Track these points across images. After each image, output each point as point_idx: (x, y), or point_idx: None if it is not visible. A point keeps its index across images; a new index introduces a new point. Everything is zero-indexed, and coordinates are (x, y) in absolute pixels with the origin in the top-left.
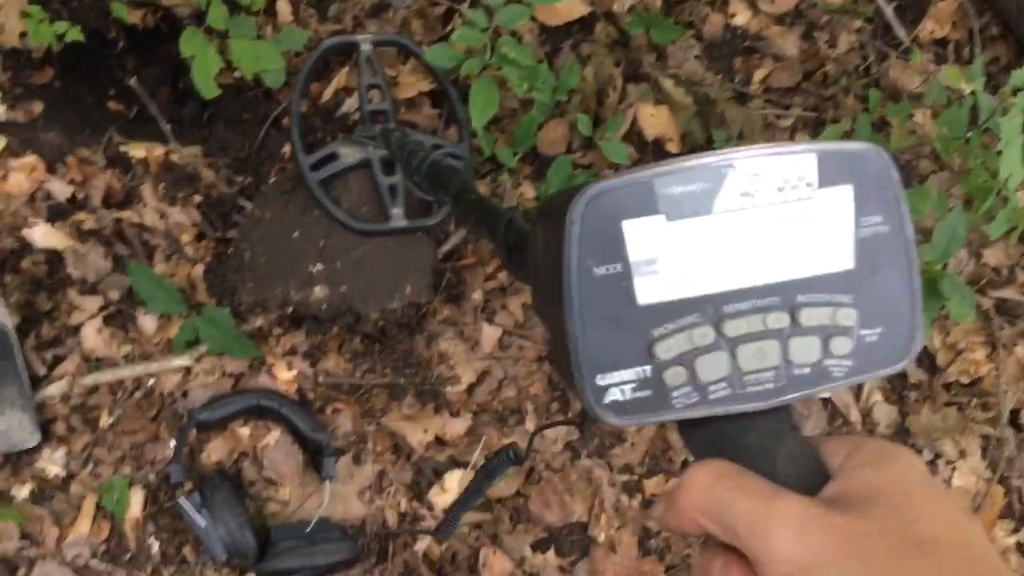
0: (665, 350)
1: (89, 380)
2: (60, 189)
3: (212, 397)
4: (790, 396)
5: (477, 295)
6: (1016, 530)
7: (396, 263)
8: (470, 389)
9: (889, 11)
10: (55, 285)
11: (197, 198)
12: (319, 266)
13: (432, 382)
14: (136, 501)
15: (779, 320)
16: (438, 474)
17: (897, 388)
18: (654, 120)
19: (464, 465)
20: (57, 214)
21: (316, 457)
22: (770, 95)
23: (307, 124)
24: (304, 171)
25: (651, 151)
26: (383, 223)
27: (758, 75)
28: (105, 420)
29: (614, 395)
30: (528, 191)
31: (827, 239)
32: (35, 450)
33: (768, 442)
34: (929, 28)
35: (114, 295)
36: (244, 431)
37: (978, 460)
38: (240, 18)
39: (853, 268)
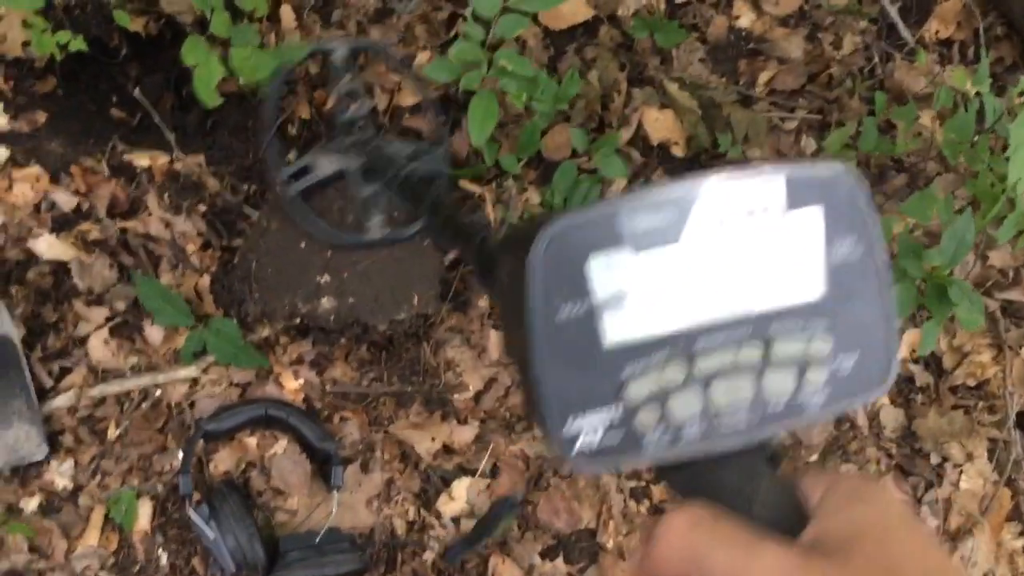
0: (635, 390)
1: (96, 391)
2: (65, 199)
3: (219, 407)
4: (767, 431)
5: (483, 302)
6: (1023, 533)
7: (403, 273)
8: (477, 396)
9: (893, 11)
10: (61, 296)
11: (202, 207)
12: (326, 277)
13: (439, 390)
14: (144, 513)
15: (752, 353)
16: (446, 482)
17: (904, 391)
18: (659, 124)
19: (472, 473)
20: (62, 225)
21: (324, 466)
22: (775, 97)
23: (311, 131)
24: (279, 185)
25: (656, 155)
26: (361, 234)
27: (763, 77)
28: (112, 431)
29: (584, 440)
30: (534, 196)
31: (798, 265)
32: (43, 462)
33: (745, 482)
34: (934, 28)
35: (120, 306)
36: (251, 441)
37: (985, 463)
38: (243, 26)
39: (826, 295)
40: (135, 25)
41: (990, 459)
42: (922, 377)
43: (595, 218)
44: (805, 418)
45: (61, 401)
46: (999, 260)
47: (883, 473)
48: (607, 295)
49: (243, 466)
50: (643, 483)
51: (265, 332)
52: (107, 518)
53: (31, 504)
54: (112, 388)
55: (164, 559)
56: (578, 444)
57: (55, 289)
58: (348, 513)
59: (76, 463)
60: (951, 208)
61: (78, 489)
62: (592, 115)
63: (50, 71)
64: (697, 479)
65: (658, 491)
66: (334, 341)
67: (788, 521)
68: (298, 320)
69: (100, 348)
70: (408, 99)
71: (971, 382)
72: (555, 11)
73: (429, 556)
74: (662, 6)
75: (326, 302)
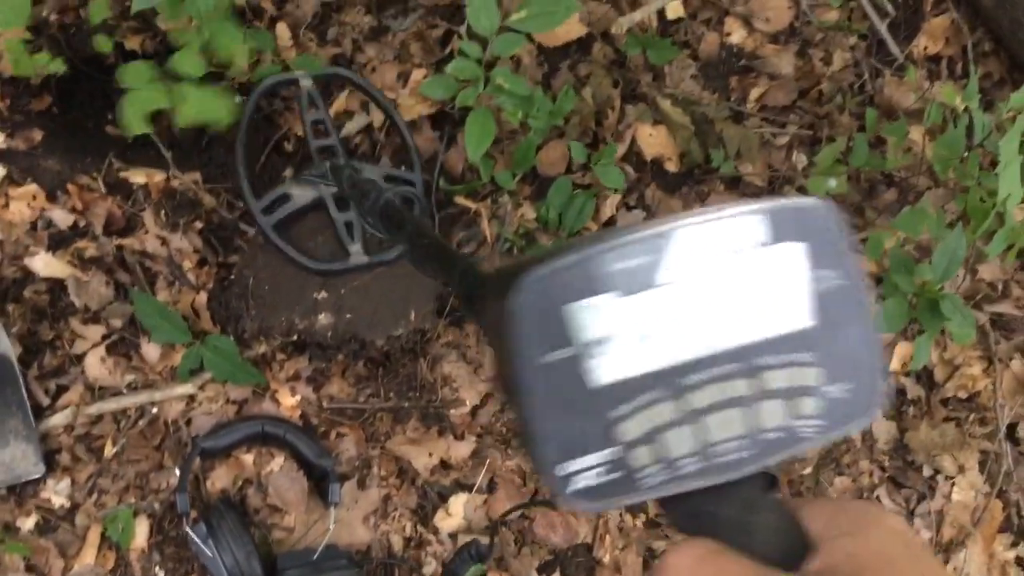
0: (628, 430)
1: (93, 409)
2: (61, 217)
3: (216, 424)
4: (763, 462)
5: None
6: (1015, 544)
7: (400, 289)
8: (474, 412)
9: (883, 28)
10: (57, 314)
11: (198, 224)
12: (323, 293)
13: (436, 405)
14: (141, 531)
15: (742, 386)
16: (443, 498)
17: (896, 404)
18: (653, 140)
19: (469, 488)
20: (58, 242)
21: (321, 483)
22: (766, 113)
23: (301, 154)
24: (256, 215)
25: (650, 171)
26: (343, 260)
27: (754, 93)
28: (109, 449)
29: (581, 482)
30: (529, 212)
31: (783, 298)
32: (39, 481)
33: (744, 514)
34: (923, 45)
35: (117, 323)
36: (248, 458)
37: (976, 475)
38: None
39: (812, 325)
40: (131, 42)
41: (981, 471)
42: (914, 390)
43: (572, 264)
44: (800, 447)
45: (58, 419)
46: (988, 273)
47: (876, 485)
48: (591, 338)
49: (240, 483)
50: None
51: (262, 348)
52: (104, 536)
53: (28, 523)
54: (109, 406)
55: None
56: (575, 485)
57: (52, 307)
58: (345, 530)
59: (73, 481)
60: (942, 223)
61: (75, 507)
62: (586, 131)
63: (46, 89)
64: (696, 513)
65: (653, 504)
66: (331, 357)
67: (790, 552)
68: (295, 336)
69: (97, 366)
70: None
71: (962, 394)
72: None
73: (428, 571)
74: (654, 23)
75: (323, 318)
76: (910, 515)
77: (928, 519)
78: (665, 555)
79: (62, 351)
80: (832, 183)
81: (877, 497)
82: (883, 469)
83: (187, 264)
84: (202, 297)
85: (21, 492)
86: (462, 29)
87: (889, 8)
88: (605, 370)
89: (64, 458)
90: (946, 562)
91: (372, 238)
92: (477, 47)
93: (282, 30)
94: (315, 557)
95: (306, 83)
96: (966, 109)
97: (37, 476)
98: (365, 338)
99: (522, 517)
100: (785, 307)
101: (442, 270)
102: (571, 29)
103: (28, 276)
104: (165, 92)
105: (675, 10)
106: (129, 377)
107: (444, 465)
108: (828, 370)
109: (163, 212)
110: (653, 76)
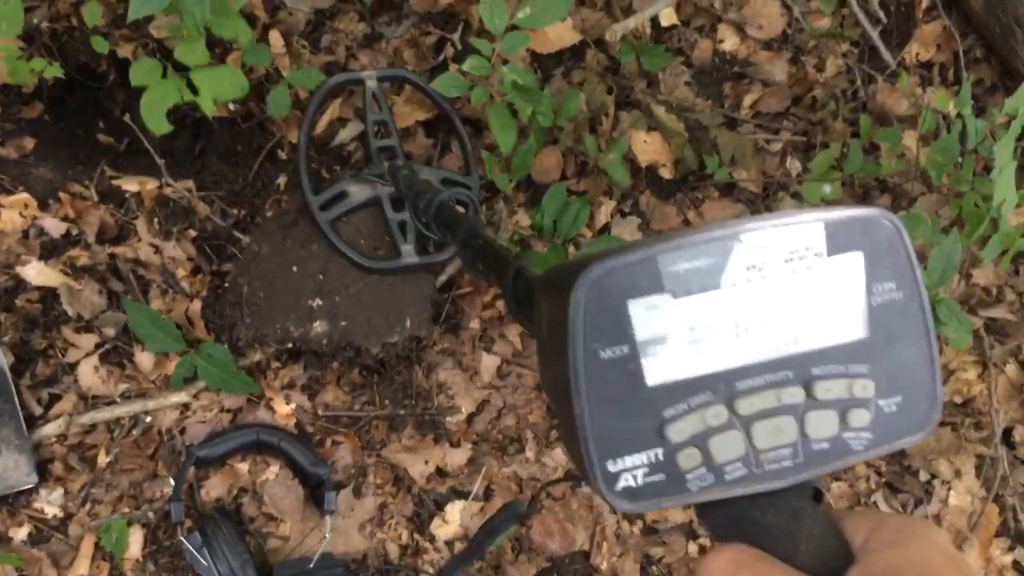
0: (677, 432)
1: (86, 419)
2: (53, 225)
3: (211, 433)
4: (809, 473)
5: (475, 324)
6: (1012, 548)
7: (396, 296)
8: (470, 419)
9: (875, 35)
10: (50, 323)
11: (192, 232)
12: (318, 301)
13: (432, 413)
14: (135, 540)
15: (794, 395)
16: (439, 505)
17: None
18: (647, 147)
19: (465, 496)
20: (51, 251)
21: (316, 491)
22: (760, 120)
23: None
24: (315, 212)
25: (645, 177)
26: (395, 260)
27: (747, 100)
28: (103, 459)
29: (626, 481)
30: (523, 219)
31: (839, 308)
32: (32, 491)
33: (789, 522)
34: (915, 51)
35: (110, 332)
36: (243, 467)
37: (973, 479)
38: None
39: (867, 337)
40: (124, 50)
41: (978, 475)
42: None
43: (635, 262)
44: (848, 459)
45: (51, 429)
46: (983, 278)
47: (873, 491)
48: (648, 337)
49: (235, 492)
50: None
51: (256, 357)
52: (98, 546)
53: (20, 533)
54: (102, 415)
55: None
56: (620, 484)
57: (44, 316)
58: (341, 538)
59: (66, 491)
60: (937, 228)
61: (68, 517)
62: (580, 138)
63: (37, 97)
64: (740, 519)
65: (651, 512)
66: (326, 365)
67: (833, 562)
68: (290, 344)
69: (90, 375)
70: (406, 122)
71: (958, 399)
72: (543, 35)
73: None
74: (648, 30)
75: (318, 326)
76: None
77: None
78: (705, 558)
79: (55, 360)
80: (827, 189)
81: (874, 503)
82: (880, 474)
83: (181, 272)
84: (196, 305)
85: (13, 502)
86: (456, 36)
87: (881, 15)
88: (660, 370)
89: (57, 468)
90: None
91: (425, 239)
92: (487, 44)
93: (275, 37)
94: (311, 566)
95: (371, 83)
96: (959, 115)
97: (30, 486)
98: (360, 345)
99: (519, 525)
100: (840, 317)
101: (494, 271)
102: (565, 36)
103: (20, 285)
104: (179, 86)
105: (668, 17)
106: (122, 386)
107: (440, 473)
108: (880, 383)
109: (156, 220)
110: (647, 83)
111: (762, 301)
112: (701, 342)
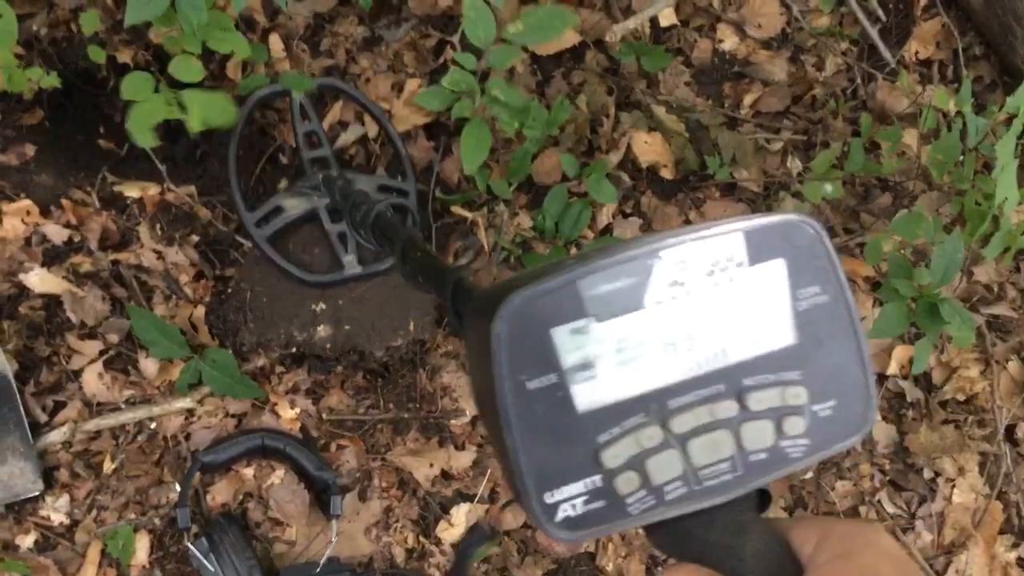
0: (613, 457)
1: (91, 425)
2: (56, 232)
3: (216, 438)
4: (750, 485)
5: None
6: (1016, 545)
7: (399, 299)
8: (474, 421)
9: (874, 33)
10: (54, 330)
11: (194, 237)
12: (322, 305)
13: (436, 416)
14: (142, 547)
15: (728, 408)
16: (445, 508)
17: (895, 407)
18: (648, 147)
19: (471, 498)
20: (53, 258)
21: (322, 495)
22: (760, 119)
23: (296, 166)
24: (250, 228)
25: (646, 177)
26: (337, 272)
27: (747, 100)
28: (108, 465)
29: (565, 511)
30: (525, 221)
31: (766, 317)
32: (38, 498)
33: (733, 537)
34: (914, 49)
35: (114, 338)
36: (248, 472)
37: (976, 477)
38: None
39: (796, 343)
40: (123, 55)
41: (981, 473)
42: (913, 393)
43: (555, 288)
44: (787, 468)
45: (56, 436)
46: (984, 276)
47: (877, 489)
48: (575, 363)
49: (241, 497)
50: None
51: (261, 361)
52: (104, 553)
53: (27, 541)
54: (107, 422)
55: None
56: (560, 515)
57: (48, 323)
58: (347, 542)
59: (72, 498)
60: (939, 227)
61: (74, 524)
62: (581, 139)
63: (38, 103)
64: (685, 538)
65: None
66: (330, 369)
67: (781, 575)
68: (294, 349)
69: (94, 381)
70: (405, 126)
71: (961, 397)
72: None
73: None
74: (648, 31)
75: (322, 330)
76: (911, 518)
77: (929, 521)
78: None
79: (59, 367)
80: (828, 188)
81: (879, 500)
82: (884, 472)
83: (184, 278)
84: (200, 311)
85: (20, 510)
86: (455, 39)
87: (880, 13)
88: (590, 395)
89: (63, 475)
90: (947, 564)
91: (366, 249)
92: (472, 59)
93: (275, 41)
94: (318, 570)
95: (298, 95)
96: (959, 113)
97: (36, 493)
98: (364, 349)
99: (525, 526)
100: (768, 326)
101: (432, 284)
102: (565, 38)
103: (23, 292)
104: (169, 102)
105: (668, 17)
106: (127, 392)
107: (445, 475)
108: (813, 388)
109: (158, 226)
110: (647, 83)
111: (688, 316)
112: (629, 363)
